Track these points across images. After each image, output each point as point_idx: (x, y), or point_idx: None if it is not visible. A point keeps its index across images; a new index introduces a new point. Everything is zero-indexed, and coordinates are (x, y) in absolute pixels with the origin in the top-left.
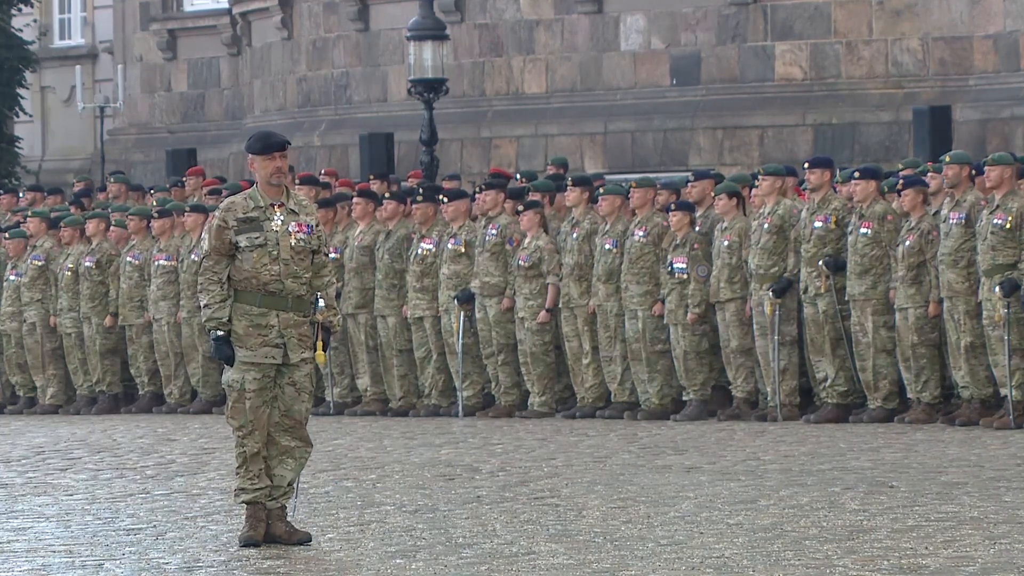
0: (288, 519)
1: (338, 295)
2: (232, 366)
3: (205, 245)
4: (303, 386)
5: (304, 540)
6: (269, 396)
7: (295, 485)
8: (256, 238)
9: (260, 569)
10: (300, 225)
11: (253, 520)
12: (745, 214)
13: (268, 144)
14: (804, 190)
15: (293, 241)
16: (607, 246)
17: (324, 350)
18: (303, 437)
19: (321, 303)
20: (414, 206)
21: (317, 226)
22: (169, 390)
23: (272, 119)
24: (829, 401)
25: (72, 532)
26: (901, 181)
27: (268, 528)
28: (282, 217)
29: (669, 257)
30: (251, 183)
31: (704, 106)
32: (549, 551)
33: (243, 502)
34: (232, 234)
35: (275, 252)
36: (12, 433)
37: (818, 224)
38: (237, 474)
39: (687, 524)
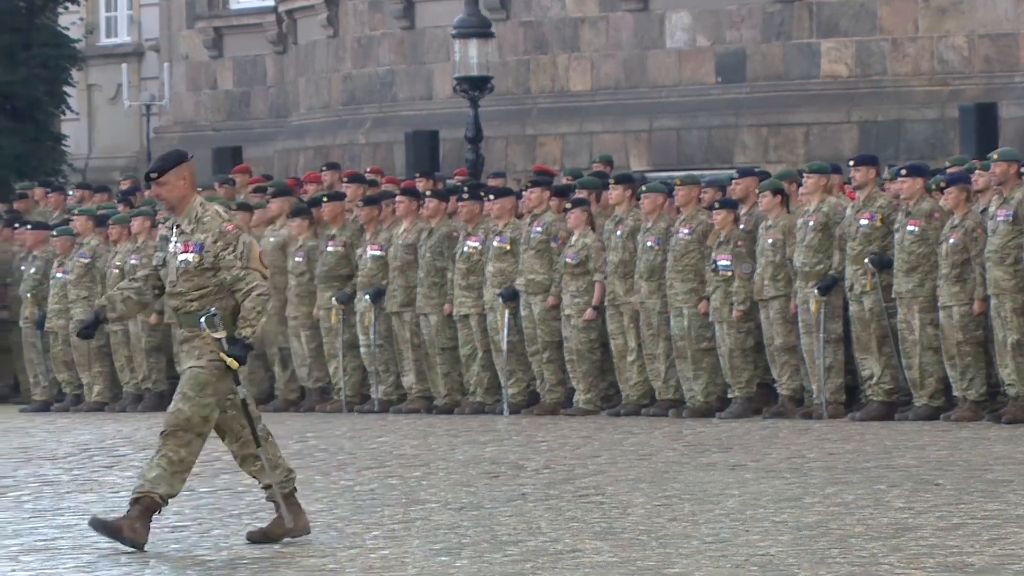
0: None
1: (381, 292)
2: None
3: None
4: (185, 385)
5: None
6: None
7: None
8: (162, 257)
9: (304, 567)
10: (186, 245)
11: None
12: (789, 212)
13: (146, 174)
14: (849, 188)
15: (178, 261)
16: (649, 243)
17: (238, 361)
18: (175, 439)
19: (216, 316)
20: (459, 204)
21: (215, 243)
22: None
23: (317, 117)
24: (875, 399)
25: None
26: (944, 180)
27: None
28: (175, 238)
29: (713, 255)
30: (297, 180)
31: (749, 103)
32: (594, 548)
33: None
34: (155, 252)
35: (169, 272)
36: (58, 430)
37: (863, 222)
38: None
39: (732, 522)
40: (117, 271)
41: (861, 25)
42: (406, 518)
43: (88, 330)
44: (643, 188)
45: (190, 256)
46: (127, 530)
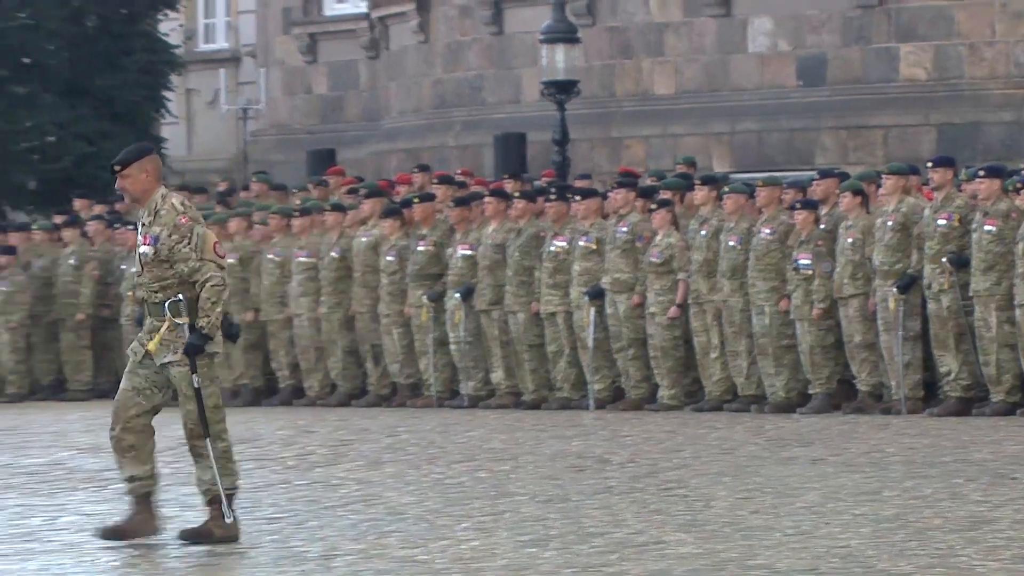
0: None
1: (471, 291)
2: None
3: None
4: (180, 386)
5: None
6: (136, 388)
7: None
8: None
9: (396, 558)
10: (145, 237)
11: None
12: (869, 212)
13: (110, 167)
14: (927, 188)
15: (139, 253)
16: (731, 243)
17: (188, 353)
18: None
19: (182, 303)
20: (547, 204)
21: (169, 236)
22: (309, 383)
23: (408, 120)
24: (952, 395)
25: None
26: (1020, 181)
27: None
28: (139, 230)
29: (794, 254)
30: (389, 182)
31: (829, 106)
32: (678, 540)
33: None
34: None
35: (135, 263)
36: (158, 425)
37: (941, 222)
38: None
39: (812, 514)
40: None
41: (939, 30)
42: (495, 510)
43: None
44: (726, 189)
45: (147, 248)
46: (217, 532)
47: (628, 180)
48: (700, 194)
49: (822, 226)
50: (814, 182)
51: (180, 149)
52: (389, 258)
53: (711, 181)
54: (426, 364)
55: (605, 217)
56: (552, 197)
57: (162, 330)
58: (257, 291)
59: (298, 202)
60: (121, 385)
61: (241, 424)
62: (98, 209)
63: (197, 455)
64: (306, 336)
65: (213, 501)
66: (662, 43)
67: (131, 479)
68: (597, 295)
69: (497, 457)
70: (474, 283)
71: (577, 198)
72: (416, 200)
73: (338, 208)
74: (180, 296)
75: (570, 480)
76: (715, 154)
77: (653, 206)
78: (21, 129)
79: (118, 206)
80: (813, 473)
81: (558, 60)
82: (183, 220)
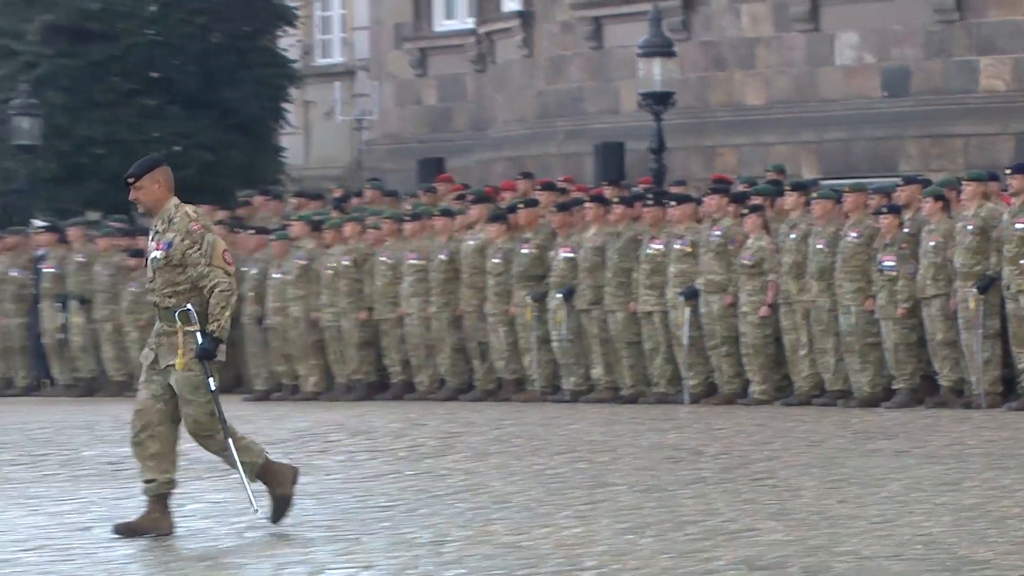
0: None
1: (572, 291)
2: None
3: None
4: (183, 391)
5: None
6: (155, 395)
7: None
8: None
9: (501, 544)
10: (157, 243)
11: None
12: (950, 216)
13: (124, 178)
14: (1006, 194)
15: (150, 258)
16: (819, 246)
17: (200, 357)
18: (200, 442)
19: (191, 311)
20: (644, 209)
21: (182, 241)
22: (419, 379)
23: (513, 130)
24: None
25: (331, 509)
26: None
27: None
28: (151, 237)
29: (879, 256)
30: (495, 189)
31: (913, 116)
32: (768, 528)
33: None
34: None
35: (147, 269)
36: (277, 418)
37: (1019, 226)
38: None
39: (896, 504)
40: (331, 272)
41: (1017, 43)
42: (594, 499)
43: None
44: (814, 195)
45: (159, 253)
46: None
47: (721, 186)
48: (790, 200)
49: (906, 230)
50: (898, 188)
51: (298, 158)
52: (495, 260)
53: (800, 187)
54: (530, 360)
55: (699, 221)
56: (649, 202)
57: (179, 341)
58: (370, 291)
59: (409, 208)
60: (141, 395)
61: (355, 417)
62: (221, 215)
63: (221, 451)
64: (416, 334)
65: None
66: (753, 56)
67: (149, 481)
68: (692, 295)
69: (596, 449)
70: (575, 284)
71: (673, 203)
72: (520, 206)
73: (447, 213)
74: (189, 306)
75: (666, 471)
76: (804, 162)
77: (745, 211)
78: (149, 139)
79: (239, 211)
80: (897, 464)
81: (655, 73)
82: (195, 227)
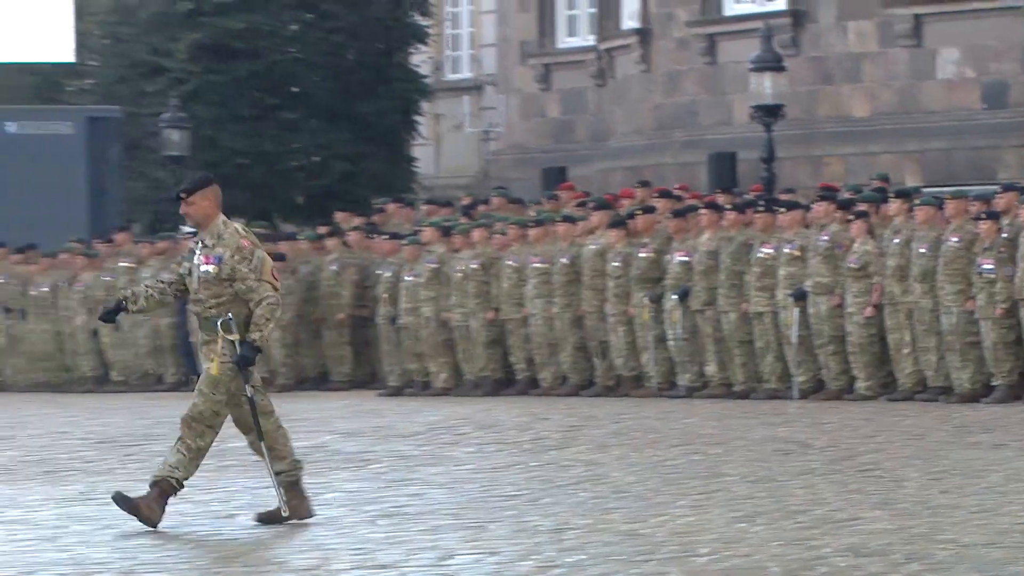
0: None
1: (687, 293)
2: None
3: None
4: (201, 383)
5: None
6: (233, 400)
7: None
8: (188, 267)
9: (620, 531)
10: (207, 257)
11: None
12: None
13: (176, 194)
14: None
15: (199, 272)
16: (922, 250)
17: (239, 364)
18: (192, 429)
19: (232, 321)
20: (755, 215)
21: (232, 257)
22: (543, 376)
23: (631, 141)
24: None
25: (459, 498)
26: None
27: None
28: (197, 251)
29: (979, 260)
30: (614, 196)
31: (1011, 127)
32: (873, 517)
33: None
34: (183, 262)
35: (192, 281)
36: (409, 412)
37: None
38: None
39: (995, 494)
40: (460, 274)
41: None
42: (708, 489)
43: (109, 315)
44: (917, 202)
45: (210, 267)
46: (144, 509)
47: (828, 194)
48: (894, 206)
49: (1004, 235)
50: (997, 195)
51: (429, 167)
52: (614, 264)
53: (904, 195)
54: (647, 358)
55: (807, 227)
56: (760, 209)
57: (217, 349)
58: (497, 293)
59: (533, 214)
60: (225, 403)
61: (482, 412)
62: (357, 221)
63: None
64: (540, 333)
65: (287, 485)
66: (859, 71)
67: (279, 473)
68: (800, 296)
69: (710, 441)
70: (690, 286)
71: (783, 210)
72: (639, 212)
73: (569, 219)
74: (230, 315)
75: (776, 462)
76: (907, 170)
77: (851, 217)
78: (290, 151)
79: (375, 218)
80: (996, 457)
81: (766, 86)
82: (245, 243)
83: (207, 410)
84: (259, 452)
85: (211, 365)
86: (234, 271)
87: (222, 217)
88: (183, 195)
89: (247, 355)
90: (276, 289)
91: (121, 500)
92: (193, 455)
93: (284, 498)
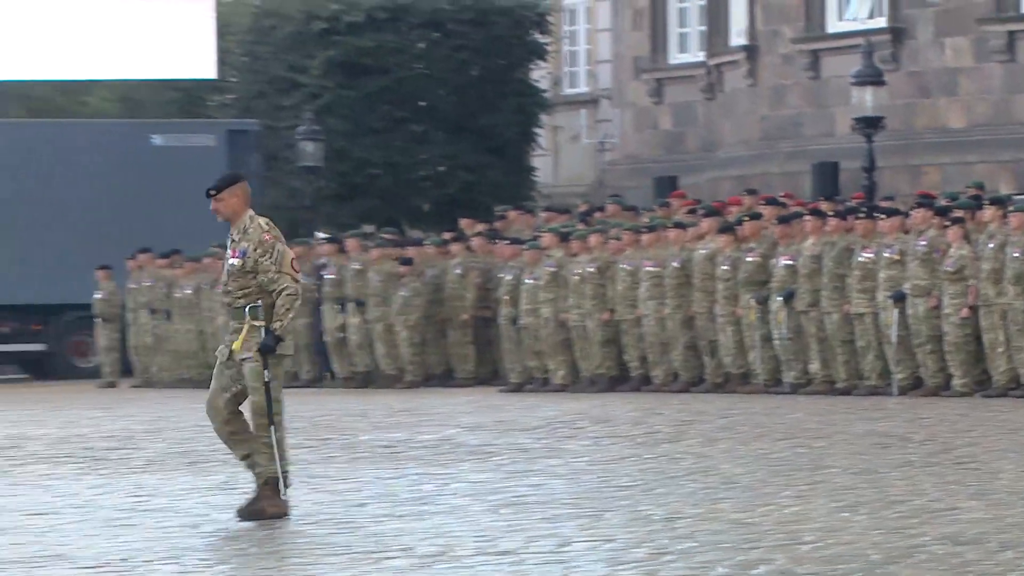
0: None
1: (791, 294)
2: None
3: None
4: (248, 379)
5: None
6: (222, 387)
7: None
8: (222, 261)
9: (729, 520)
10: (234, 251)
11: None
12: None
13: (207, 191)
14: None
15: (227, 265)
16: (1016, 254)
17: (262, 351)
18: (255, 424)
19: (259, 308)
20: (857, 222)
21: (255, 250)
22: (655, 373)
23: (739, 151)
24: None
25: (576, 488)
26: None
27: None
28: (228, 245)
29: None
30: (723, 203)
31: None
32: (969, 507)
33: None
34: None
35: (223, 273)
36: (529, 407)
37: None
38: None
39: None
40: (577, 277)
41: None
42: (812, 480)
43: (269, 348)
44: (1011, 208)
45: (236, 260)
46: (269, 508)
47: (926, 201)
48: (988, 213)
49: None
50: None
51: (548, 177)
52: (723, 267)
53: (998, 202)
54: (754, 356)
55: (906, 232)
56: (861, 215)
57: (243, 332)
58: (612, 295)
59: (646, 221)
60: (212, 385)
61: (598, 407)
62: (480, 227)
63: (256, 441)
64: (653, 333)
65: (267, 483)
66: (956, 84)
67: (245, 456)
68: (900, 298)
69: (814, 435)
70: (794, 288)
71: (883, 216)
72: (746, 219)
73: (679, 226)
74: (259, 302)
75: (876, 455)
76: (1001, 179)
77: (948, 223)
78: (417, 161)
79: (496, 224)
80: None
81: (867, 99)
82: (267, 237)
83: (263, 402)
84: (259, 439)
85: (235, 344)
86: (257, 264)
87: (250, 212)
88: (213, 192)
89: (268, 343)
90: (296, 281)
91: (246, 514)
92: (274, 447)
93: (284, 484)
